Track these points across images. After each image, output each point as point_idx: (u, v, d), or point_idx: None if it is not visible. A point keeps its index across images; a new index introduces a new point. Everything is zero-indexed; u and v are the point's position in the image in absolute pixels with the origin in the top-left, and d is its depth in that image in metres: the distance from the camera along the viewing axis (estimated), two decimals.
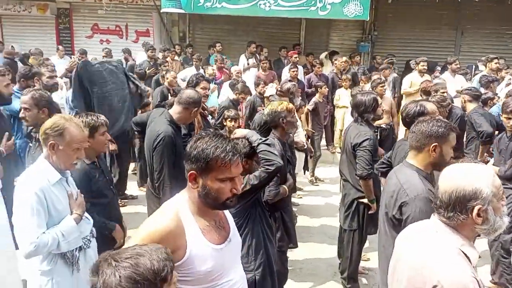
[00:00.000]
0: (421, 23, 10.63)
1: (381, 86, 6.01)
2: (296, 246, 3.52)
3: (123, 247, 1.46)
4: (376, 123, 5.56)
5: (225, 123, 4.86)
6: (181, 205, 1.68)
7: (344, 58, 8.50)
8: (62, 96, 5.50)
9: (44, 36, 12.00)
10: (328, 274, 4.24)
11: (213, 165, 1.61)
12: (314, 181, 6.77)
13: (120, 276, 1.11)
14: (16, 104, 4.72)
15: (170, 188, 3.14)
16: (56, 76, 4.94)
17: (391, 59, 8.86)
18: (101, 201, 2.76)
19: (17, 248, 3.00)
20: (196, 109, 3.31)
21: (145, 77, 7.18)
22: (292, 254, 3.97)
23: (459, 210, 1.47)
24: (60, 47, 10.21)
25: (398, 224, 2.18)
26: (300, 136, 4.84)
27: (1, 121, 3.66)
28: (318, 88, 6.78)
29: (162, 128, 3.16)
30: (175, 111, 3.30)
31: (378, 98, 3.55)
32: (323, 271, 4.29)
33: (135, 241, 1.50)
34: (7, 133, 3.39)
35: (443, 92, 5.22)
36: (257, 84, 6.26)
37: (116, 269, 1.12)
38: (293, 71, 7.46)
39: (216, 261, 1.65)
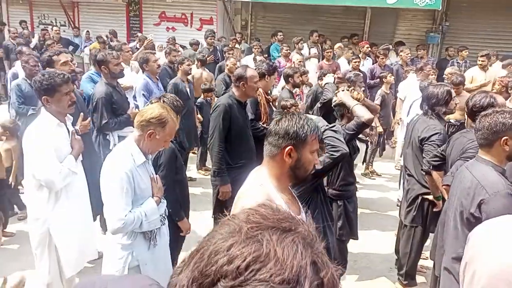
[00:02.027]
0: (499, 13, 9.81)
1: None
2: (356, 238, 3.49)
3: None
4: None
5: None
6: (265, 182, 1.79)
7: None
8: (135, 80, 5.72)
9: (115, 23, 12.65)
10: (383, 269, 4.16)
11: (309, 139, 1.76)
12: (370, 174, 6.60)
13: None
14: (89, 87, 5.04)
15: (218, 150, 3.57)
16: (121, 63, 5.03)
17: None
18: (179, 177, 2.93)
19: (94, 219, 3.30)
20: (242, 82, 3.66)
21: (205, 63, 7.36)
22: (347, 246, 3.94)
23: None
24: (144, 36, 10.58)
25: (475, 222, 2.09)
26: None
27: (77, 101, 3.88)
28: (383, 79, 6.39)
29: (222, 100, 3.70)
30: (234, 90, 3.79)
31: (452, 91, 3.37)
32: (378, 265, 4.22)
33: None
34: (82, 114, 3.53)
35: None
36: (321, 76, 6.14)
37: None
38: (355, 62, 7.30)
39: None
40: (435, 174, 3.20)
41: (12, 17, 13.24)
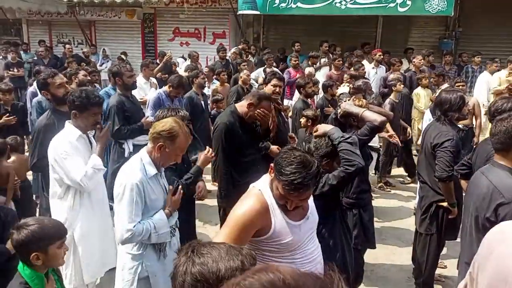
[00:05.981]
0: None
1: (461, 85, 5.61)
2: (374, 247, 3.44)
3: (215, 239, 1.64)
4: None
5: (304, 124, 4.65)
6: (265, 188, 1.95)
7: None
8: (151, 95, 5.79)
9: (131, 39, 12.96)
10: (400, 278, 4.10)
11: None
12: (384, 186, 6.34)
13: (186, 269, 1.20)
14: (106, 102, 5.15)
15: (225, 171, 3.41)
16: (134, 75, 4.96)
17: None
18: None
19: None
20: (251, 105, 3.38)
21: (213, 74, 7.48)
22: (364, 256, 3.91)
23: None
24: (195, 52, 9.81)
25: (490, 227, 2.05)
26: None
27: None
28: (393, 87, 6.21)
29: (221, 118, 3.50)
30: (239, 105, 3.56)
31: (465, 97, 3.34)
32: (395, 275, 4.16)
33: (228, 225, 1.83)
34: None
35: None
36: (326, 87, 6.11)
37: (188, 260, 1.22)
38: (364, 69, 7.32)
39: (295, 235, 1.95)
40: (463, 183, 3.18)
41: (32, 37, 13.71)
